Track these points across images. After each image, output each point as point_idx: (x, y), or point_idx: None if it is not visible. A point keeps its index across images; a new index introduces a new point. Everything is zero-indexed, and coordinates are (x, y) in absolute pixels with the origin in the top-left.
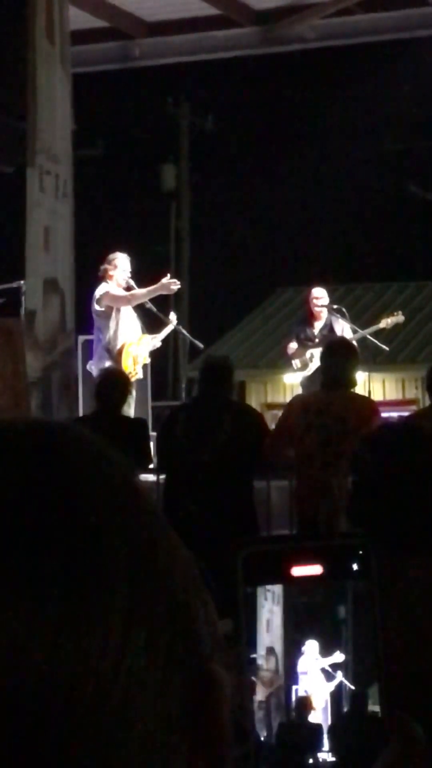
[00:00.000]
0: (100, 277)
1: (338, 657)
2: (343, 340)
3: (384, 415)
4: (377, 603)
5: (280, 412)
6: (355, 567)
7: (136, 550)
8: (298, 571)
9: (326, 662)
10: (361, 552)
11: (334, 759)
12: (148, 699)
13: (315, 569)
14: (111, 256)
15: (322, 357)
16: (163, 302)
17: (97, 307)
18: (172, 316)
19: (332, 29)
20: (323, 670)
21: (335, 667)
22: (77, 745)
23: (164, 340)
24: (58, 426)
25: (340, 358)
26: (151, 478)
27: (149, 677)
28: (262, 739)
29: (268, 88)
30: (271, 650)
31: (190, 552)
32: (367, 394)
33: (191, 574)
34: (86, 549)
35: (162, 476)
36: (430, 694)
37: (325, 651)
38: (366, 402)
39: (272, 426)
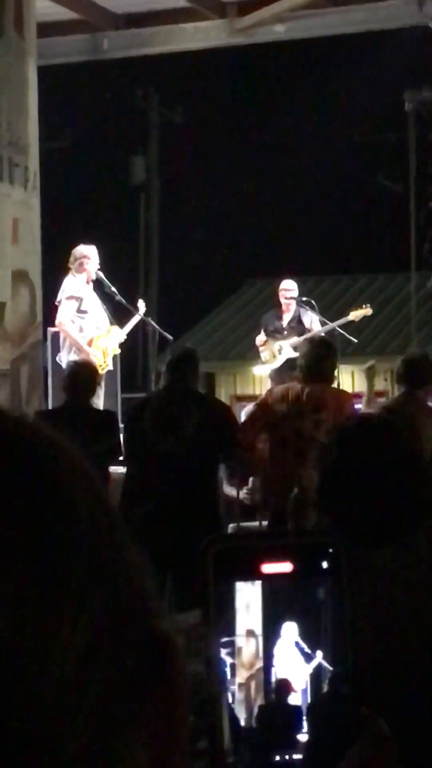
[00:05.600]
0: (70, 269)
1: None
2: (324, 338)
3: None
4: (347, 601)
5: (249, 404)
6: (325, 565)
7: (91, 528)
8: (268, 568)
9: (305, 653)
10: (331, 550)
11: (311, 738)
12: (104, 661)
13: (285, 567)
14: (81, 249)
15: (304, 352)
16: (131, 293)
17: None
18: (141, 305)
19: (302, 22)
20: (302, 652)
21: (314, 648)
22: (34, 712)
23: (133, 332)
24: (12, 414)
25: (321, 354)
26: (121, 469)
27: (104, 639)
28: (243, 721)
29: (237, 80)
30: (251, 632)
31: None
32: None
33: (135, 555)
34: (45, 519)
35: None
36: (398, 686)
37: (304, 633)
38: (341, 394)
39: (241, 418)
